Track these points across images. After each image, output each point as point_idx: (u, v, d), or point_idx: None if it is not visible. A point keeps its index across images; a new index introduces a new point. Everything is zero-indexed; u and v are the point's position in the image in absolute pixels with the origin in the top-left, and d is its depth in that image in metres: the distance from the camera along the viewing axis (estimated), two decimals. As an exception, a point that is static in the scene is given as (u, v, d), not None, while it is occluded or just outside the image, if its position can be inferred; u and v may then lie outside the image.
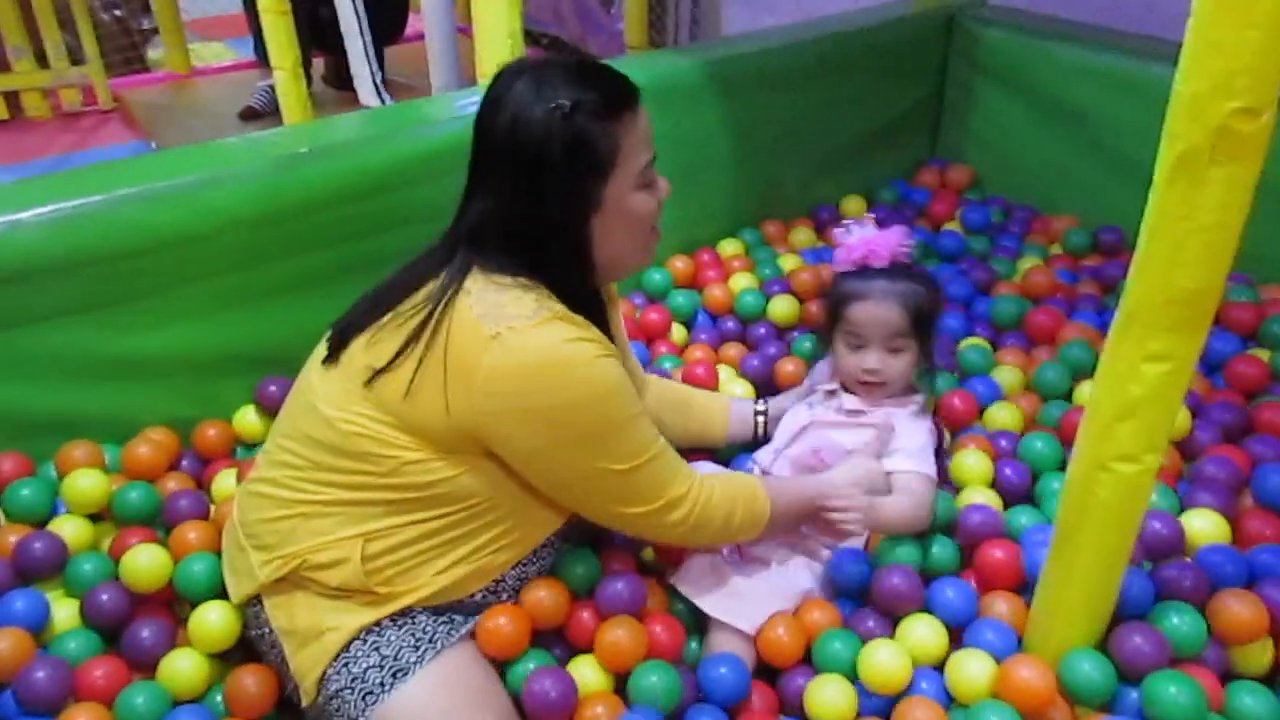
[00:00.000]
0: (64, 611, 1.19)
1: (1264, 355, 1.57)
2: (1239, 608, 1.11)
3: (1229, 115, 0.79)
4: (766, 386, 1.68)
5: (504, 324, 0.97)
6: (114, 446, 1.40)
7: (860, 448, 1.32)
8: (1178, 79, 0.82)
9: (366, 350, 1.05)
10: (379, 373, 1.02)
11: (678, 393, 1.46)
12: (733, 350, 1.80)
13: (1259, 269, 1.75)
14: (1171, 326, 0.90)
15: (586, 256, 1.06)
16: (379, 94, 3.11)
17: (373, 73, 3.10)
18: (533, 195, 1.01)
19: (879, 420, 1.35)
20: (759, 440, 1.48)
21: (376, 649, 1.04)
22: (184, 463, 1.44)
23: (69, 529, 1.25)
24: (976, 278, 1.93)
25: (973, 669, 1.10)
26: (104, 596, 1.16)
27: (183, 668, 1.11)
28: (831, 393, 1.41)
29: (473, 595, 1.12)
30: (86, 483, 1.29)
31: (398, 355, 1.01)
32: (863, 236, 1.39)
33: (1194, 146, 0.82)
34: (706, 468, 1.29)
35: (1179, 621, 1.10)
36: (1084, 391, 1.53)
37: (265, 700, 1.10)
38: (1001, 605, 1.19)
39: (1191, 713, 1.02)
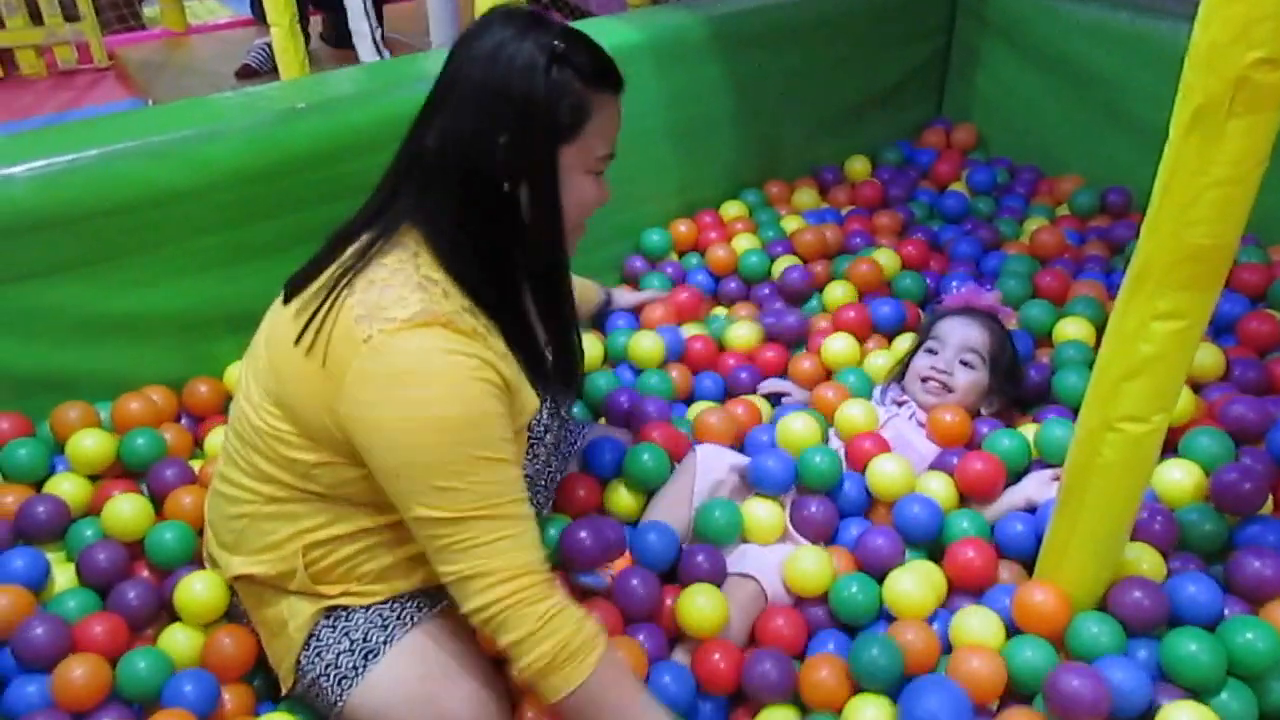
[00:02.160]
0: (65, 575, 1.18)
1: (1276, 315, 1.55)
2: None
3: (1248, 66, 0.77)
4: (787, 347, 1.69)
5: (378, 325, 0.89)
6: (107, 405, 1.39)
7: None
8: (1196, 28, 0.79)
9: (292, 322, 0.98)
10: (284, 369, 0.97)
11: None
12: (742, 311, 1.79)
13: (1268, 230, 1.73)
14: (1183, 284, 0.89)
15: (518, 219, 0.97)
16: (378, 51, 3.05)
17: (372, 29, 3.04)
18: (493, 130, 0.92)
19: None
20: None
21: (346, 634, 1.02)
22: (182, 420, 1.44)
23: (67, 488, 1.25)
24: (982, 238, 1.91)
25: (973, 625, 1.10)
26: (100, 555, 1.16)
27: (179, 639, 1.10)
28: (901, 403, 1.45)
29: (440, 581, 1.02)
30: (89, 443, 1.28)
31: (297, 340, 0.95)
32: (969, 289, 1.58)
33: (1212, 98, 0.79)
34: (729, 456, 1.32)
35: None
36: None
37: (243, 661, 1.09)
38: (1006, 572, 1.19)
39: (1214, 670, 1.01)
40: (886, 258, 1.82)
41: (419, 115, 0.99)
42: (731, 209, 2.06)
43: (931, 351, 1.46)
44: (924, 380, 1.43)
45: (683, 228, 1.98)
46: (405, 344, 0.89)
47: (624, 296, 1.75)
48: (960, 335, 1.45)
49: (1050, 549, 1.09)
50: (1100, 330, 1.56)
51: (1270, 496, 1.19)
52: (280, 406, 0.97)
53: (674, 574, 1.20)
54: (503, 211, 0.96)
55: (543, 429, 1.12)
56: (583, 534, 1.15)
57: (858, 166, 2.20)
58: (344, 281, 0.94)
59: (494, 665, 1.07)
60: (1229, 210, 0.84)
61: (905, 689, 1.01)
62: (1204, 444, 1.25)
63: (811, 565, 1.17)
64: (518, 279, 1.02)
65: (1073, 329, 1.55)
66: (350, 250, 0.98)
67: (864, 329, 1.66)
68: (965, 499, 1.29)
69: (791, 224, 1.98)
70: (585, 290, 1.61)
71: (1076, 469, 1.03)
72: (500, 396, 0.93)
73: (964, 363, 1.43)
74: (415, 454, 0.89)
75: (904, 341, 1.64)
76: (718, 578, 1.17)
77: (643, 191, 1.96)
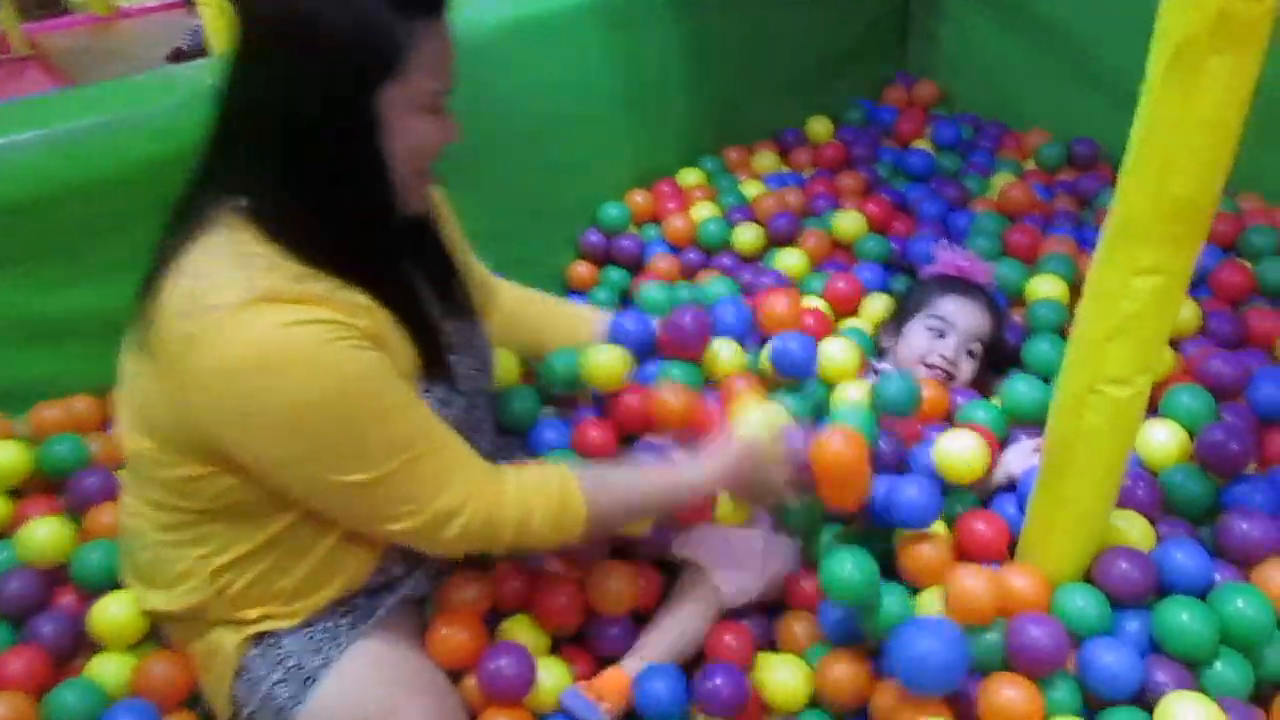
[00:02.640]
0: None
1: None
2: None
3: (1229, -3, 0.71)
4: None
5: (203, 318, 0.80)
6: (25, 417, 1.30)
7: None
8: (1173, -39, 0.73)
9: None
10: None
11: (543, 303, 1.30)
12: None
13: (1234, 177, 1.67)
14: (1165, 238, 0.83)
15: (354, 169, 0.86)
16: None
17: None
18: (296, 76, 0.82)
19: None
20: None
21: (279, 662, 0.94)
22: (109, 430, 1.35)
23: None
24: (949, 195, 1.85)
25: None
26: (13, 584, 1.07)
27: (109, 668, 1.02)
28: (877, 371, 1.39)
29: (365, 585, 0.99)
30: (4, 454, 1.19)
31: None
32: (965, 256, 1.51)
33: (1191, 35, 0.73)
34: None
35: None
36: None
37: (181, 687, 1.02)
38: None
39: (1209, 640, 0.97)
40: (851, 220, 1.76)
41: (223, 72, 0.87)
42: (689, 176, 1.98)
43: (937, 333, 1.39)
44: (928, 365, 1.36)
45: (639, 198, 1.90)
46: (237, 334, 0.79)
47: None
48: (968, 322, 1.38)
49: (1034, 522, 1.04)
50: (1074, 289, 1.52)
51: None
52: (142, 422, 0.89)
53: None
54: (327, 165, 0.84)
55: (438, 402, 0.96)
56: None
57: (819, 127, 2.13)
58: (160, 273, 0.85)
59: (447, 678, 1.01)
60: (1212, 156, 0.79)
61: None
62: (1184, 402, 1.20)
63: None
64: (368, 239, 0.89)
65: (1046, 287, 1.50)
66: (168, 237, 0.88)
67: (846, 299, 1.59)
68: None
69: (752, 189, 1.91)
70: (575, 323, 1.29)
71: (1058, 438, 0.97)
72: (369, 346, 0.84)
73: (970, 353, 1.39)
74: (299, 443, 0.82)
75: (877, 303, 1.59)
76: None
77: (595, 163, 1.88)
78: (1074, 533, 1.02)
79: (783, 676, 1.05)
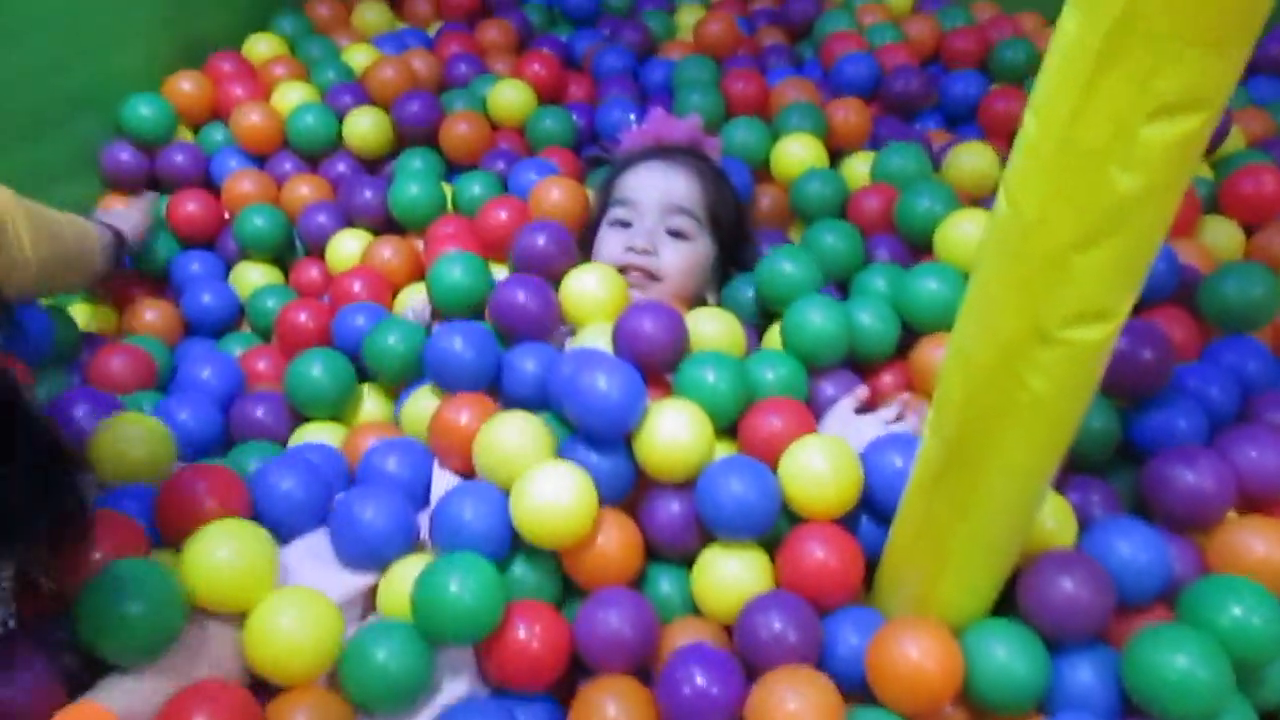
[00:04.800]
0: None
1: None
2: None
3: None
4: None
5: None
6: None
7: None
8: None
9: None
10: None
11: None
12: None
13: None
14: (1201, 34, 0.42)
15: None
16: None
17: None
18: None
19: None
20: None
21: None
22: None
23: None
24: (630, 42, 1.37)
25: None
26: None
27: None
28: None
29: None
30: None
31: None
32: (656, 120, 1.07)
33: None
34: None
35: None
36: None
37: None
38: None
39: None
40: (512, 91, 1.23)
41: None
42: (261, 45, 1.33)
43: (622, 224, 0.95)
44: (625, 272, 0.90)
45: (186, 85, 1.24)
46: None
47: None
48: (660, 193, 0.95)
49: (914, 543, 0.63)
50: (834, 152, 1.13)
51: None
52: None
53: None
54: None
55: None
56: None
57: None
58: None
59: None
60: None
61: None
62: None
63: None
64: None
65: (798, 150, 1.08)
66: None
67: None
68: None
69: (360, 56, 1.31)
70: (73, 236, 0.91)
71: (966, 419, 0.56)
72: None
73: (673, 232, 0.93)
74: None
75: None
76: None
77: (106, 29, 1.17)
78: (985, 555, 0.63)
79: None
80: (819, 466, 0.70)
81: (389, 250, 1.04)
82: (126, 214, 1.08)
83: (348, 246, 1.08)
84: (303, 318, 0.98)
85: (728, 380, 0.75)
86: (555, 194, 1.02)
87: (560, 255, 0.92)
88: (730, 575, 0.70)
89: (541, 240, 0.92)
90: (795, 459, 0.71)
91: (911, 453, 0.63)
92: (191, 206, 1.14)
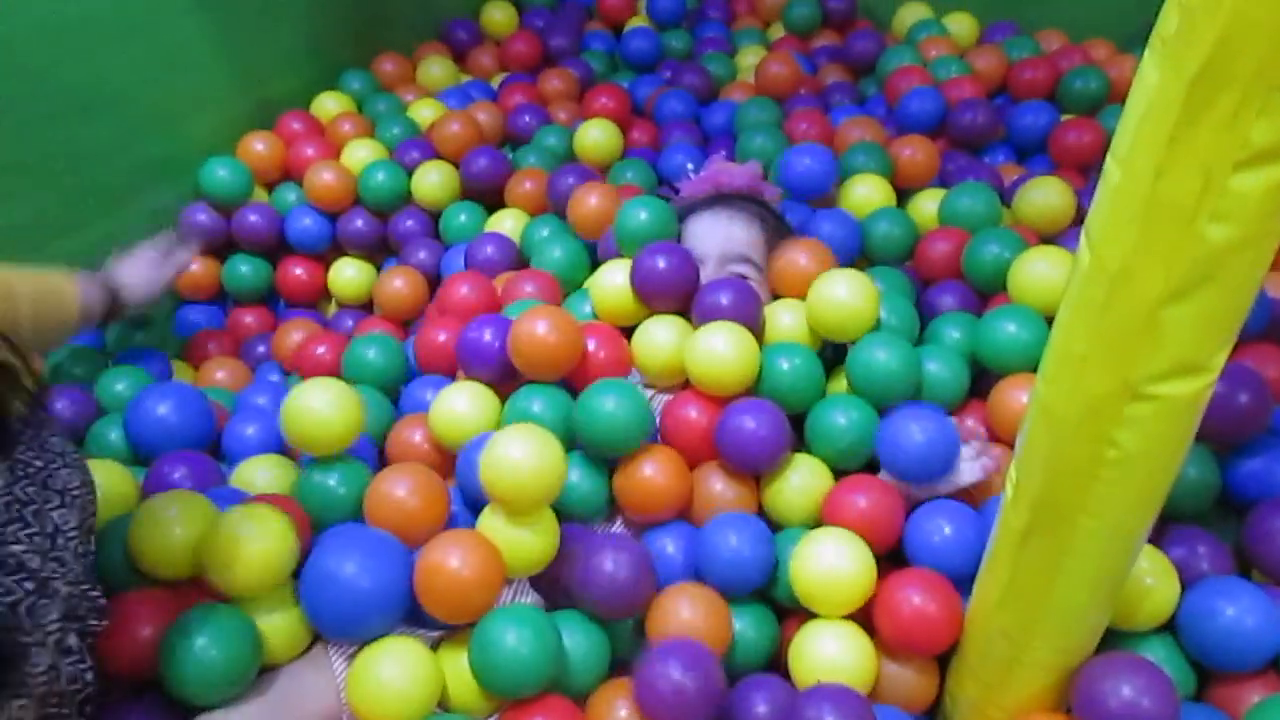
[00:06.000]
0: None
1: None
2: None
3: None
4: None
5: None
6: None
7: None
8: None
9: None
10: None
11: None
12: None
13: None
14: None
15: None
16: None
17: None
18: None
19: None
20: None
21: None
22: None
23: None
24: (691, 85, 1.38)
25: None
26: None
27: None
28: None
29: None
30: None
31: None
32: (714, 167, 1.07)
33: None
34: None
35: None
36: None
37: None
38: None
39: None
40: (602, 131, 1.24)
41: None
42: (329, 103, 1.37)
43: None
44: None
45: (259, 145, 1.27)
46: None
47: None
48: (719, 239, 0.95)
49: (995, 625, 0.60)
50: (899, 192, 1.10)
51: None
52: None
53: None
54: None
55: None
56: None
57: (498, 16, 1.57)
58: None
59: None
60: None
61: None
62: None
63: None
64: None
65: (864, 191, 1.06)
66: None
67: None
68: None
69: (425, 111, 1.34)
70: (49, 294, 0.87)
71: (1049, 481, 0.53)
72: None
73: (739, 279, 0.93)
74: None
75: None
76: None
77: (185, 96, 1.22)
78: (1078, 618, 0.60)
79: None
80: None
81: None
82: (135, 269, 1.00)
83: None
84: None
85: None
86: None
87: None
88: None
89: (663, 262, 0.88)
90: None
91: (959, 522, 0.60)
92: (299, 271, 1.22)
